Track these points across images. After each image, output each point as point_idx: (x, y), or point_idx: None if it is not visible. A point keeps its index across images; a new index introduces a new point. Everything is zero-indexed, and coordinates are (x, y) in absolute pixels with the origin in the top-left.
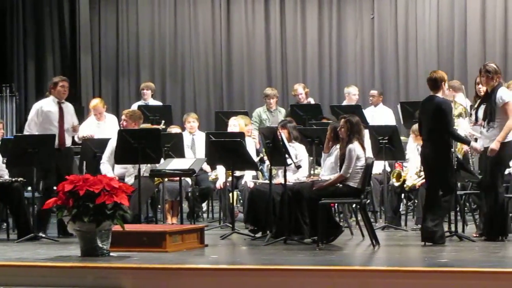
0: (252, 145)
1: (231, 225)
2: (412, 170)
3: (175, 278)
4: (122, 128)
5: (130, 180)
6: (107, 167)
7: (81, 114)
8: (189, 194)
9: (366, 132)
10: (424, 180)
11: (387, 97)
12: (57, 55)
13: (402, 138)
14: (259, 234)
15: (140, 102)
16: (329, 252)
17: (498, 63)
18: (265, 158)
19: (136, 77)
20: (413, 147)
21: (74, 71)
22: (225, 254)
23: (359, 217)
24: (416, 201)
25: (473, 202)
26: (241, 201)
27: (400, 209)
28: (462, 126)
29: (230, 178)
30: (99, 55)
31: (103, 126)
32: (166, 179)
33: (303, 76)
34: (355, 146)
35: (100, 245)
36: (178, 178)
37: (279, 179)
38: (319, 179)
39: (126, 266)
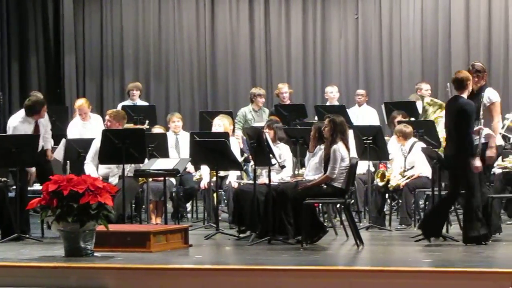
0: (236, 145)
1: (215, 225)
2: (396, 170)
3: (159, 278)
4: (106, 128)
5: (114, 180)
6: (91, 167)
7: (65, 114)
8: (173, 194)
9: (350, 132)
10: (408, 180)
11: (371, 97)
12: (41, 55)
13: (386, 138)
14: (247, 233)
15: (128, 102)
16: (314, 252)
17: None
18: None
19: (120, 77)
20: (396, 147)
21: (58, 71)
22: (209, 254)
23: (344, 217)
24: (400, 201)
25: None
26: (225, 201)
27: (384, 209)
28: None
29: (214, 178)
30: (83, 55)
31: (88, 126)
32: (150, 179)
33: (287, 76)
34: (339, 146)
35: (84, 245)
36: (162, 178)
37: (263, 179)
38: (303, 179)
39: (110, 266)
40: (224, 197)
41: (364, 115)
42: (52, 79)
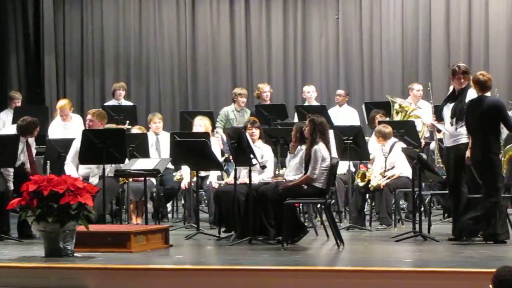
0: (217, 145)
1: (196, 225)
2: (376, 170)
3: (139, 279)
4: (87, 128)
5: (94, 180)
6: (71, 168)
7: (45, 115)
8: (154, 195)
9: (331, 132)
10: (388, 180)
11: (351, 97)
12: (21, 55)
13: (366, 138)
14: (229, 234)
15: (112, 102)
16: (294, 252)
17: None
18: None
19: (101, 77)
20: (376, 147)
21: (38, 71)
22: (190, 254)
23: (324, 217)
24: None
25: (437, 202)
26: (206, 201)
27: (365, 209)
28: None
29: (195, 179)
30: (63, 55)
31: (69, 126)
32: (130, 179)
33: (268, 76)
34: (320, 147)
35: (64, 245)
36: (143, 178)
37: (243, 179)
38: (284, 180)
39: (91, 266)
40: (205, 197)
41: (344, 115)
42: (33, 79)
